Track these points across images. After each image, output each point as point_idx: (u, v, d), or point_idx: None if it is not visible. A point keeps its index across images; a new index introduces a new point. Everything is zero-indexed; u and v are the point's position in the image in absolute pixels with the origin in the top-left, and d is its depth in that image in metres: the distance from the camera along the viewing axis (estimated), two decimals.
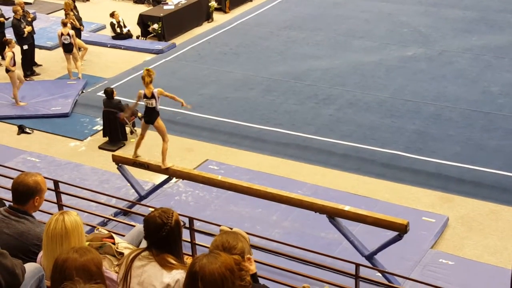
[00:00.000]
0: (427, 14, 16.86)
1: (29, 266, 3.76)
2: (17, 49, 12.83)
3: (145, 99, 8.42)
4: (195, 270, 3.01)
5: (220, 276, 2.99)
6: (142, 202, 8.76)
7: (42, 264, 3.83)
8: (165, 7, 16.98)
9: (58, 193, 7.66)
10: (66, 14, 14.36)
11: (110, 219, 8.39)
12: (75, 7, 15.41)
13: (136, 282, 3.62)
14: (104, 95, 11.41)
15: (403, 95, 12.43)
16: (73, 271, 3.14)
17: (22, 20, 13.86)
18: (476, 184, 9.62)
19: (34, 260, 4.01)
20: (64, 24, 13.66)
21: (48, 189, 4.63)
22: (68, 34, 13.54)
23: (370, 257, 7.45)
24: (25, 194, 4.28)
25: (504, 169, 9.82)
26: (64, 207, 7.59)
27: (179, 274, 3.58)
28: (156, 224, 3.61)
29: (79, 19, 15.04)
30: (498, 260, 8.01)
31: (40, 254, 3.92)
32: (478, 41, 14.81)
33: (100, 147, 11.17)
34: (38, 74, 14.39)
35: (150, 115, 8.57)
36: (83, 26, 15.34)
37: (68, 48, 13.69)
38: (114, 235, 4.13)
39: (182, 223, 3.80)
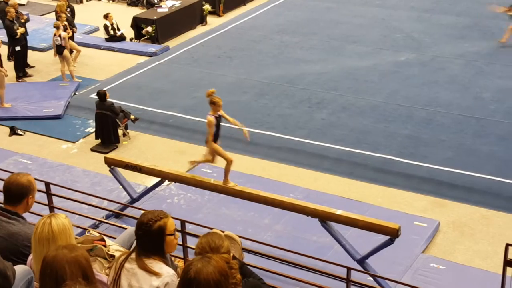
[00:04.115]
0: (420, 20, 16.93)
1: (18, 268, 3.76)
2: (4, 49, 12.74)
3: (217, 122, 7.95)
4: (189, 277, 3.00)
5: (215, 282, 2.99)
6: (134, 205, 8.74)
7: (32, 267, 3.81)
8: (159, 10, 16.99)
9: (49, 195, 7.63)
10: (58, 16, 14.33)
11: (101, 221, 8.37)
12: (69, 8, 15.38)
13: (126, 285, 3.62)
14: (96, 97, 11.39)
15: (396, 100, 12.48)
16: (65, 264, 3.15)
17: (15, 21, 13.82)
18: (468, 189, 9.66)
19: (24, 261, 3.99)
20: (57, 27, 13.64)
21: (40, 191, 4.63)
22: (60, 36, 13.52)
23: (361, 261, 7.46)
24: (19, 193, 4.28)
25: (495, 175, 9.86)
26: (55, 209, 7.56)
27: (168, 277, 3.58)
28: (139, 221, 3.65)
29: (71, 22, 14.94)
30: (489, 265, 8.04)
31: (31, 256, 3.91)
32: (470, 47, 14.89)
33: (92, 149, 11.14)
34: (30, 76, 14.34)
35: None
36: (76, 28, 15.31)
37: (59, 50, 13.68)
38: (105, 238, 4.12)
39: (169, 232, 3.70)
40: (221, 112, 7.96)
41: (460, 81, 13.28)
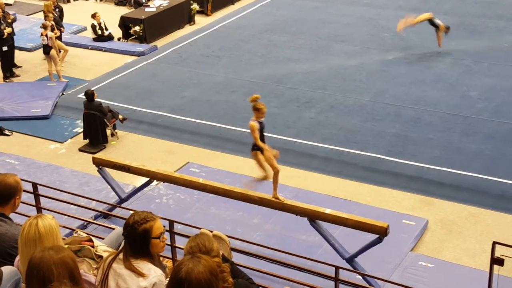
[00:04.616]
0: None
1: (5, 269, 3.73)
2: None
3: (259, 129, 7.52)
4: (180, 277, 2.99)
5: (206, 281, 2.99)
6: (123, 205, 8.72)
7: (19, 268, 3.79)
8: (147, 9, 16.94)
9: (37, 195, 7.58)
10: (45, 16, 14.25)
11: (90, 222, 8.33)
12: (58, 8, 15.29)
13: (114, 285, 3.61)
14: (84, 97, 11.33)
15: (384, 99, 12.52)
16: (51, 265, 3.14)
17: (2, 21, 13.72)
18: (456, 187, 9.71)
19: (11, 262, 3.97)
20: (44, 27, 13.58)
21: (27, 191, 4.59)
22: (46, 36, 13.45)
23: (350, 260, 7.48)
24: (6, 194, 4.27)
25: (483, 173, 9.92)
26: (43, 210, 7.51)
27: (156, 278, 3.57)
28: (125, 223, 3.65)
29: (58, 22, 14.84)
30: (477, 263, 8.09)
31: (18, 257, 3.89)
32: (457, 46, 14.96)
33: (80, 150, 11.09)
34: (18, 76, 14.25)
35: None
36: (64, 28, 15.23)
37: (45, 50, 13.61)
38: (93, 238, 4.11)
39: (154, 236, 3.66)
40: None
41: (448, 79, 13.34)
